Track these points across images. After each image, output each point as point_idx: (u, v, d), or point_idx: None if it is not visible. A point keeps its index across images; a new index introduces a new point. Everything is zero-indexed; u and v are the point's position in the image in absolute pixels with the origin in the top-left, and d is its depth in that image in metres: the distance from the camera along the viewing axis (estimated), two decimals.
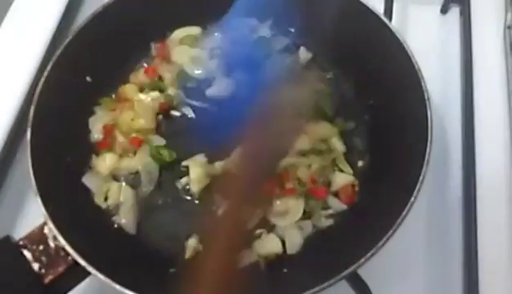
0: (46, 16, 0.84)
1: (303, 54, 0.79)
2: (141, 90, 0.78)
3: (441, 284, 0.67)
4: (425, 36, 0.83)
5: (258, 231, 0.68)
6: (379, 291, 0.62)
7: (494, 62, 0.78)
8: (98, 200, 0.71)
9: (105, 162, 0.72)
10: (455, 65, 0.78)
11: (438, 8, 0.85)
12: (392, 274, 0.67)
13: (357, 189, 0.70)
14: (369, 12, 0.73)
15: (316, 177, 0.70)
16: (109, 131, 0.74)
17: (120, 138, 0.75)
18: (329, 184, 0.71)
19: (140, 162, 0.74)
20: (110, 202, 0.71)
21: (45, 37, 0.82)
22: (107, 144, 0.75)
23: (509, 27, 0.79)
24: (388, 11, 0.78)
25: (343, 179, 0.72)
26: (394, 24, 0.73)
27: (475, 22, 0.81)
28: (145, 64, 0.80)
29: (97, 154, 0.73)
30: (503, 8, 0.82)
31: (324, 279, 0.56)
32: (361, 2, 0.74)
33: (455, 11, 0.83)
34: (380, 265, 0.60)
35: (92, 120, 0.75)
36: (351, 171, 0.71)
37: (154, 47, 0.81)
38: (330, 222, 0.69)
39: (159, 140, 0.75)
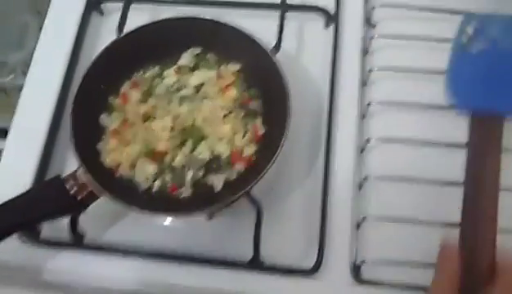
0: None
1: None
2: None
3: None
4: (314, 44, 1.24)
5: None
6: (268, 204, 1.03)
7: (353, 59, 1.18)
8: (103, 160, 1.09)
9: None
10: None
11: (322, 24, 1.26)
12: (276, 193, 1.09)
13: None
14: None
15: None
16: None
17: None
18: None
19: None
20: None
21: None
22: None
23: (362, 38, 1.21)
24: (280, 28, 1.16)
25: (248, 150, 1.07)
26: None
27: (343, 34, 1.21)
28: None
29: None
30: (362, 25, 1.23)
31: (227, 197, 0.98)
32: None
33: (332, 26, 1.23)
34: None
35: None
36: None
37: None
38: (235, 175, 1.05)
39: None
